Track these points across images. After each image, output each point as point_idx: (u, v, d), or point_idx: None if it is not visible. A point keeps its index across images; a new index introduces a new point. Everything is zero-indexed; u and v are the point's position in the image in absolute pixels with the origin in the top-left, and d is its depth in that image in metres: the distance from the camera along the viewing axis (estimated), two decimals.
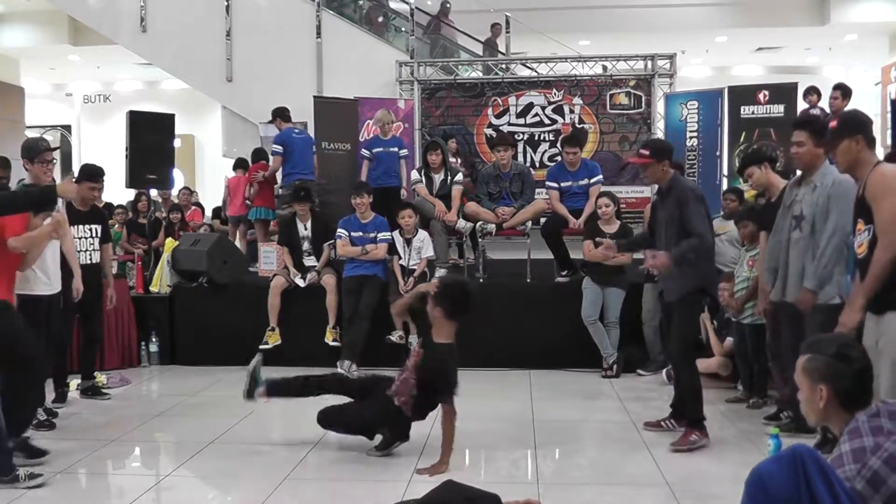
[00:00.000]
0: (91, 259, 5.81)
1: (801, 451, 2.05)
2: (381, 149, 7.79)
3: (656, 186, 4.89)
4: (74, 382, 6.01)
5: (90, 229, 5.83)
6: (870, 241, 3.35)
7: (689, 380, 4.62)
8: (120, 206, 9.34)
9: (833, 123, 3.64)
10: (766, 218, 5.05)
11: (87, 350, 6.03)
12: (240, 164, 9.33)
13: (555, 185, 7.19)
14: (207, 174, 16.31)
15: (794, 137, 4.33)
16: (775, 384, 5.21)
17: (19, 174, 6.18)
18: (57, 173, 5.60)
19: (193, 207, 10.49)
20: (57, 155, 5.37)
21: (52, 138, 18.59)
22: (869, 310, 3.36)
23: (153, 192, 9.15)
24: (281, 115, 8.48)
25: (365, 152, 7.85)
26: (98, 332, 6.10)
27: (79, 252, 5.71)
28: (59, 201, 5.25)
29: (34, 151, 4.94)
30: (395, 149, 7.83)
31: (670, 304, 4.66)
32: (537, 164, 8.79)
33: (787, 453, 2.07)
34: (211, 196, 11.86)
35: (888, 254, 3.23)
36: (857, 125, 3.54)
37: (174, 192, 10.85)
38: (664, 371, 6.32)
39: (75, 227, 5.68)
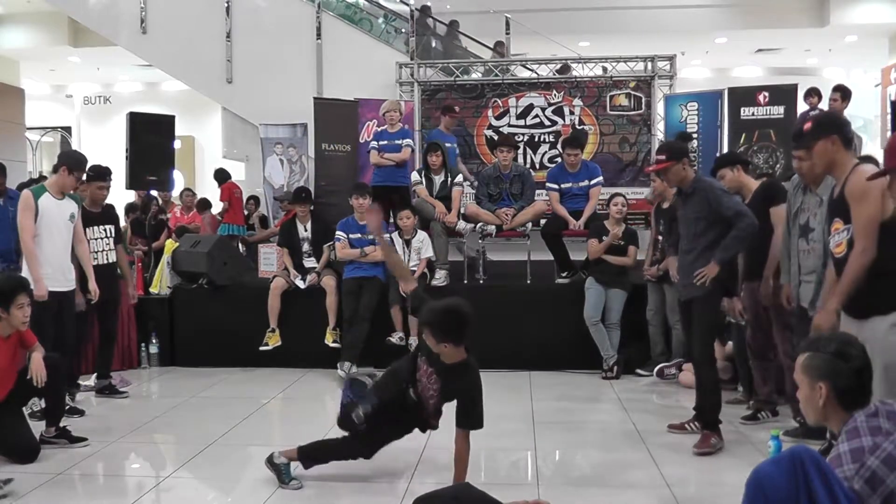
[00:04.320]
0: (108, 259, 5.92)
1: (801, 452, 2.05)
2: (386, 142, 7.54)
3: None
4: (88, 382, 6.10)
5: (104, 230, 5.92)
6: (849, 240, 3.36)
7: (710, 382, 4.63)
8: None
9: (807, 126, 3.65)
10: None
11: (104, 349, 6.09)
12: (205, 206, 9.53)
13: (555, 186, 7.20)
14: (207, 176, 16.29)
15: (794, 152, 4.34)
16: (755, 383, 5.21)
17: (18, 177, 6.23)
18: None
19: (194, 210, 10.47)
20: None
21: (53, 140, 18.64)
22: (851, 314, 3.34)
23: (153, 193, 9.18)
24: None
25: (374, 144, 7.63)
26: (114, 331, 6.17)
27: (95, 252, 5.82)
28: (76, 207, 5.38)
29: (79, 166, 5.40)
30: (400, 141, 7.55)
31: (688, 303, 4.66)
32: (537, 166, 8.78)
33: (787, 455, 2.07)
34: (211, 197, 11.80)
35: (864, 258, 3.23)
36: (833, 125, 3.54)
37: (175, 192, 10.86)
38: (655, 370, 6.35)
39: (90, 228, 5.80)
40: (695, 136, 8.54)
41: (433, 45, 10.99)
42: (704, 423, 4.61)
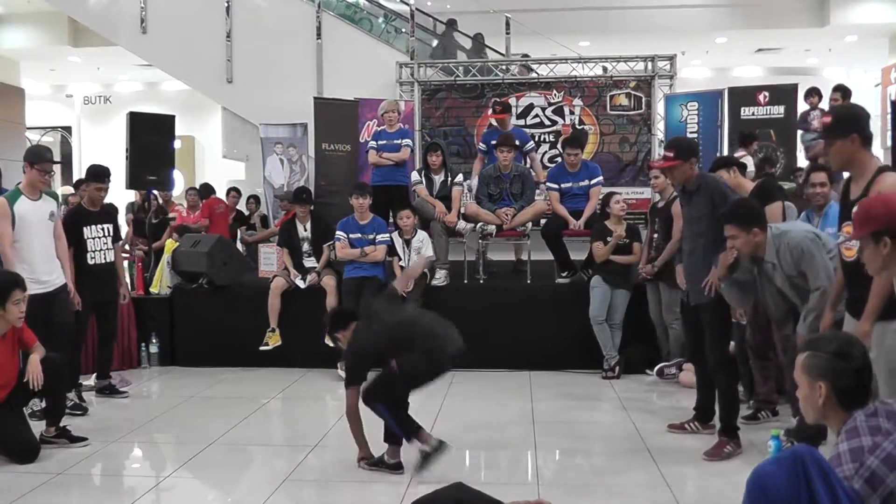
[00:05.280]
0: (106, 258, 5.89)
1: (802, 452, 2.04)
2: (384, 141, 7.54)
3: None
4: (89, 381, 6.08)
5: (103, 229, 5.89)
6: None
7: (727, 388, 4.55)
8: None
9: (826, 119, 3.54)
10: None
11: (103, 349, 6.08)
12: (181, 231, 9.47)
13: (555, 186, 7.20)
14: (208, 176, 16.30)
15: (725, 232, 4.25)
16: (755, 382, 5.21)
17: (14, 179, 6.24)
18: (57, 175, 5.63)
19: (199, 210, 10.42)
20: (57, 168, 5.47)
21: (53, 139, 18.62)
22: (856, 317, 3.32)
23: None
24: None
25: (373, 144, 7.64)
26: (114, 331, 6.16)
27: (93, 252, 5.80)
28: (54, 205, 5.35)
29: (37, 157, 5.23)
30: (399, 141, 7.53)
31: (696, 308, 4.61)
32: None
33: (788, 454, 2.06)
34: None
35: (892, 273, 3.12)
36: (852, 123, 3.41)
37: (176, 192, 10.84)
38: (655, 369, 6.34)
39: (88, 227, 5.78)
40: (694, 135, 8.54)
41: (457, 57, 11.01)
42: (721, 428, 4.52)
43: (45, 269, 5.21)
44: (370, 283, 6.71)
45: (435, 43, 11.56)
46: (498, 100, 8.41)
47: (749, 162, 7.80)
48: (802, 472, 1.98)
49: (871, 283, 3.19)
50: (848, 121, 3.44)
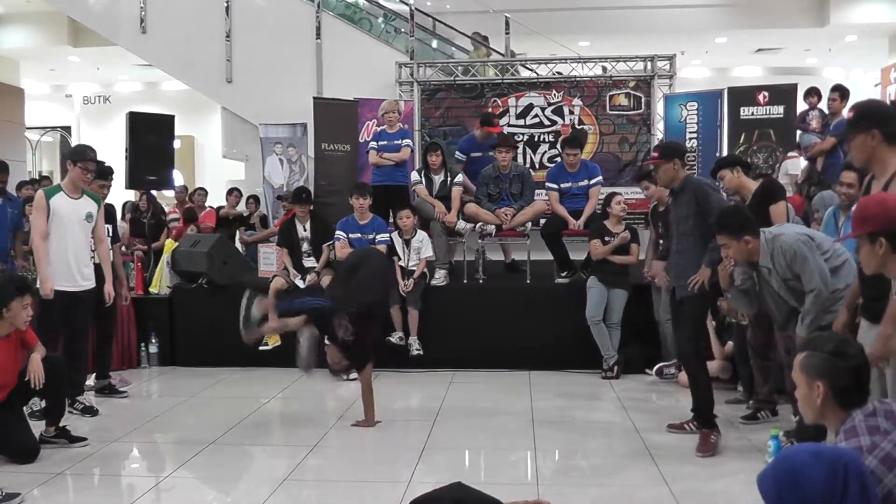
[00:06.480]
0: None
1: (849, 458, 1.94)
2: (385, 142, 7.55)
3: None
4: (88, 382, 6.04)
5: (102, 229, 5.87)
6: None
7: (702, 379, 4.68)
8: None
9: (850, 114, 3.44)
10: None
11: (102, 349, 6.08)
12: None
13: (554, 186, 7.20)
14: (207, 175, 16.32)
15: (717, 241, 4.26)
16: (755, 382, 5.21)
17: (18, 177, 6.26)
18: (57, 176, 5.66)
19: (208, 208, 10.40)
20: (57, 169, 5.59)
21: (52, 139, 18.63)
22: (867, 318, 3.29)
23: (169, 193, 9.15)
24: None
25: (374, 144, 7.65)
26: (112, 331, 6.18)
27: (92, 252, 5.77)
28: (94, 207, 5.41)
29: (80, 155, 5.34)
30: (399, 141, 7.55)
31: (681, 301, 4.70)
32: (537, 166, 8.78)
33: (832, 453, 1.95)
34: (209, 198, 11.81)
35: None
36: (874, 118, 3.27)
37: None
38: (654, 369, 6.34)
39: None
40: (694, 135, 8.54)
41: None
42: (701, 421, 4.63)
43: (73, 267, 5.26)
44: None
45: (435, 43, 11.55)
46: (488, 113, 8.23)
47: (800, 164, 7.89)
48: (842, 478, 1.90)
49: (886, 285, 3.10)
50: (869, 115, 3.31)
